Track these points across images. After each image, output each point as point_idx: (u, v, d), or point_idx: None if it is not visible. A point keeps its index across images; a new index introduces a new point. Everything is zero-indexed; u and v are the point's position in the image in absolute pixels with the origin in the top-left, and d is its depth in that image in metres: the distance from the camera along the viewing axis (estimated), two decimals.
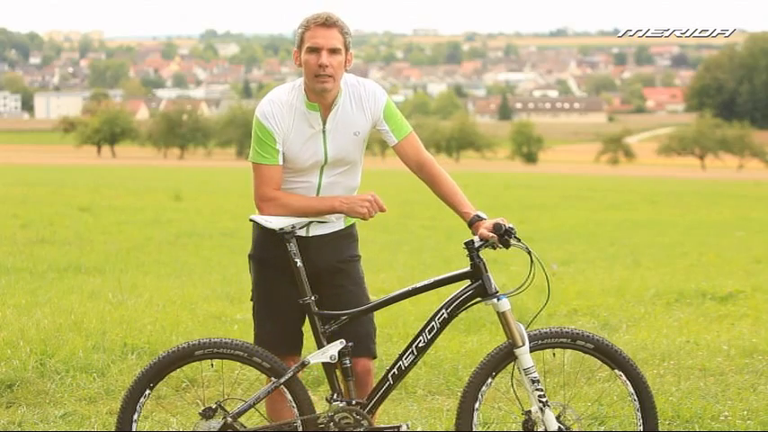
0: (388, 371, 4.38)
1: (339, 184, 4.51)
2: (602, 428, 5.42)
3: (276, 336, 4.50)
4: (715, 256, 15.34)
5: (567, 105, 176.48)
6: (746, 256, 15.65)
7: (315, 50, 4.35)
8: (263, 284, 4.54)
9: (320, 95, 4.39)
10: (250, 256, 4.62)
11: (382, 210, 4.43)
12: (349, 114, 4.45)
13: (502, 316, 4.35)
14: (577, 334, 4.41)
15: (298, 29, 4.42)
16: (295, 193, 4.46)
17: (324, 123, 4.43)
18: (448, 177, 4.52)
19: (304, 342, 4.61)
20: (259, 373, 4.45)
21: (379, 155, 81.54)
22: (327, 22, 4.37)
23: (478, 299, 4.37)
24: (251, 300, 4.66)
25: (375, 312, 4.55)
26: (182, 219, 22.06)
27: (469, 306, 4.39)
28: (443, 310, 4.37)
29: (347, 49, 4.41)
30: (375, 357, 4.59)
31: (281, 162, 4.41)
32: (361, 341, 4.49)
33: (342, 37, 4.38)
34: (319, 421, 4.36)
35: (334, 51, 4.35)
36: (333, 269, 4.53)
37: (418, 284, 4.41)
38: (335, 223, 4.55)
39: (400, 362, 4.37)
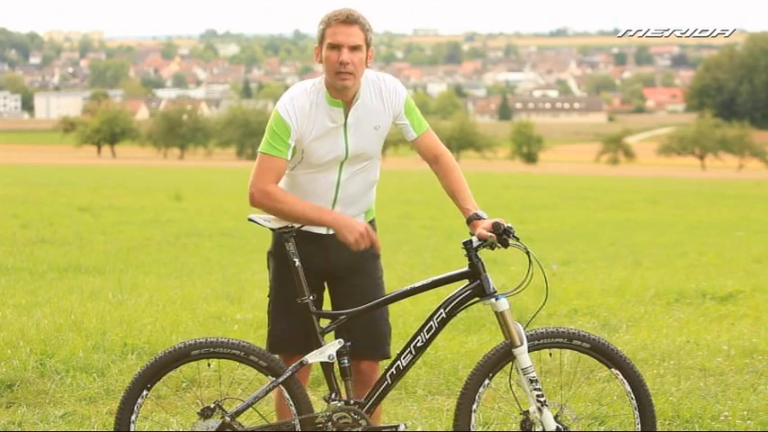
0: (387, 370, 4.38)
1: (359, 179, 4.50)
2: (601, 428, 5.42)
3: (290, 333, 4.49)
4: (715, 256, 15.33)
5: (567, 105, 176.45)
6: (746, 256, 15.64)
7: (335, 47, 4.32)
8: (281, 281, 4.52)
9: (341, 92, 4.37)
10: (269, 252, 4.61)
11: (374, 245, 4.38)
12: (370, 109, 4.43)
13: (500, 316, 4.35)
14: (574, 334, 4.41)
15: (319, 25, 4.39)
16: (316, 187, 4.43)
17: (345, 118, 4.41)
18: (459, 172, 4.55)
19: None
20: (257, 372, 4.45)
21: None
22: (349, 20, 4.33)
23: (477, 299, 4.36)
24: (268, 296, 4.66)
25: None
26: (182, 219, 22.07)
27: (468, 306, 4.39)
28: (441, 310, 4.36)
29: (368, 46, 4.39)
30: (389, 358, 4.59)
31: (288, 157, 4.36)
32: (376, 343, 4.52)
33: (363, 34, 4.36)
34: (317, 421, 4.35)
35: (354, 48, 4.32)
36: (351, 268, 4.53)
37: (416, 284, 4.40)
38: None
39: (398, 361, 4.37)
